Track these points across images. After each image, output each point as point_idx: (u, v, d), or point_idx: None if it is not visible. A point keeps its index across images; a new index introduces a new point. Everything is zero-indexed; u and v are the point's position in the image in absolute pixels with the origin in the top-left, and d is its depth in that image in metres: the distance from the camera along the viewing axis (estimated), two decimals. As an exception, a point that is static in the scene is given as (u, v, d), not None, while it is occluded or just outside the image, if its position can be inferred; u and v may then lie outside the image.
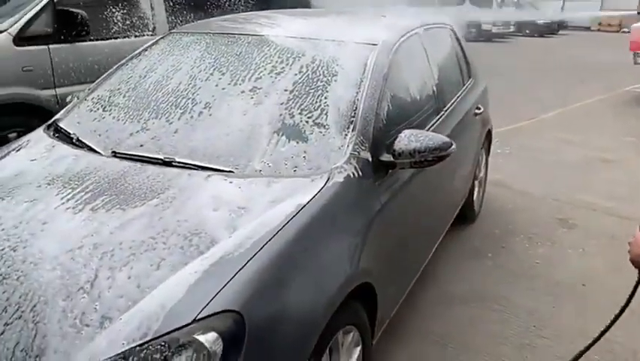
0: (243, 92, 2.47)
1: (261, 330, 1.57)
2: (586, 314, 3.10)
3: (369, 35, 2.76)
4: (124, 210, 1.88)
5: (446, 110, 3.21)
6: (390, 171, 2.36)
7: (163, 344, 1.45)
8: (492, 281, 3.43)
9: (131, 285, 1.58)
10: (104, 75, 2.92)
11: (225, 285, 1.58)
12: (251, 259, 1.66)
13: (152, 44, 3.04)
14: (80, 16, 4.69)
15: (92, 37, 4.76)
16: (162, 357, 1.44)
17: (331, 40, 2.71)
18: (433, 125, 2.94)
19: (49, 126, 2.65)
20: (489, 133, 4.28)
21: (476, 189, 4.21)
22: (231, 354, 1.50)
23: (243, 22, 3.11)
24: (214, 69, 2.64)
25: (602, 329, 2.11)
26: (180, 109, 2.46)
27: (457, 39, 3.96)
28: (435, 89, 3.15)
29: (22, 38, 4.55)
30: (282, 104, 2.36)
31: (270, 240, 1.73)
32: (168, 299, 1.53)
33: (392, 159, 2.30)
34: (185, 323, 1.48)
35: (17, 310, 1.53)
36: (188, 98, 2.50)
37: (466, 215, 4.13)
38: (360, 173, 2.17)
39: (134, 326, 1.47)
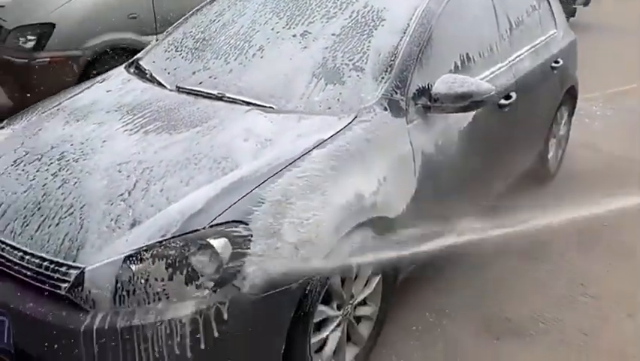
0: (294, 35, 2.63)
1: (266, 241, 1.77)
2: (637, 282, 2.99)
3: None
4: (170, 134, 2.15)
5: (511, 61, 3.14)
6: (428, 114, 2.42)
7: (179, 243, 1.70)
8: (551, 239, 3.36)
9: (161, 197, 1.84)
10: (181, 19, 3.20)
11: (239, 200, 1.80)
12: (264, 181, 1.87)
13: (227, -9, 3.25)
14: (180, -33, 5.03)
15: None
16: (178, 254, 1.69)
17: (385, -14, 2.76)
18: (490, 74, 2.91)
19: (130, 64, 2.99)
20: (572, 90, 4.08)
21: (553, 148, 4.08)
22: (238, 258, 1.72)
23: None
24: (273, 14, 2.81)
25: None
26: (237, 51, 2.67)
27: (541, -12, 3.78)
28: (499, 38, 3.09)
29: (129, -13, 5.01)
30: (326, 48, 2.50)
31: (285, 167, 1.92)
32: (188, 209, 1.78)
33: (428, 102, 2.37)
34: (199, 228, 1.72)
35: (70, 208, 1.85)
36: (246, 41, 2.71)
37: (540, 173, 4.02)
38: (390, 114, 2.26)
39: (156, 228, 1.74)
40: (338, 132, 2.11)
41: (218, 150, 2.03)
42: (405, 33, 2.48)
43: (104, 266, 1.69)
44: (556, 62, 3.69)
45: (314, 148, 2.02)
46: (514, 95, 3.05)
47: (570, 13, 11.64)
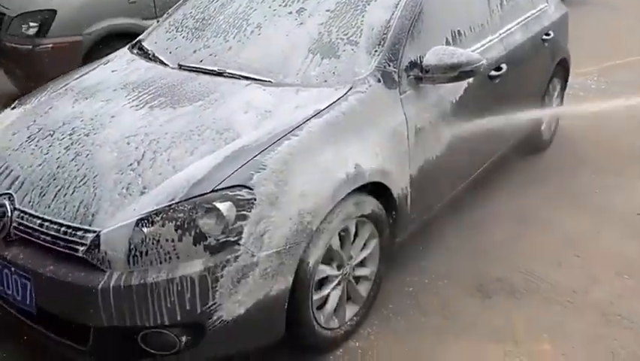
0: (290, 12, 2.73)
1: (268, 204, 1.90)
2: (628, 241, 3.11)
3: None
4: (174, 108, 2.27)
5: (501, 34, 3.24)
6: (420, 85, 2.53)
7: (186, 206, 1.83)
8: (544, 205, 3.49)
9: (168, 166, 1.97)
10: (181, 1, 3.29)
11: (241, 167, 1.93)
12: (265, 149, 1.99)
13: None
14: (177, -49, 5.10)
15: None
16: (186, 217, 1.82)
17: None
18: (481, 46, 3.02)
19: (133, 45, 3.09)
20: (563, 62, 4.17)
21: (546, 119, 4.18)
22: (242, 219, 1.85)
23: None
24: (270, -8, 2.91)
25: None
26: (236, 29, 2.77)
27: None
28: (490, 11, 3.19)
29: (128, -27, 5.08)
30: (321, 24, 2.60)
31: (284, 136, 2.05)
32: (193, 176, 1.91)
33: (420, 74, 2.48)
34: (204, 192, 1.85)
35: (84, 178, 1.98)
36: (244, 20, 2.81)
37: (534, 144, 4.13)
38: (384, 85, 2.38)
39: (165, 194, 1.87)
40: (334, 102, 2.22)
41: (220, 122, 2.15)
42: (396, 7, 2.58)
43: (118, 229, 1.82)
44: (547, 34, 3.78)
45: (312, 118, 2.14)
46: (504, 66, 3.16)
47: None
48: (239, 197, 1.87)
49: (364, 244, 2.39)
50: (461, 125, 2.89)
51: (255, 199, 1.88)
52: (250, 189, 1.89)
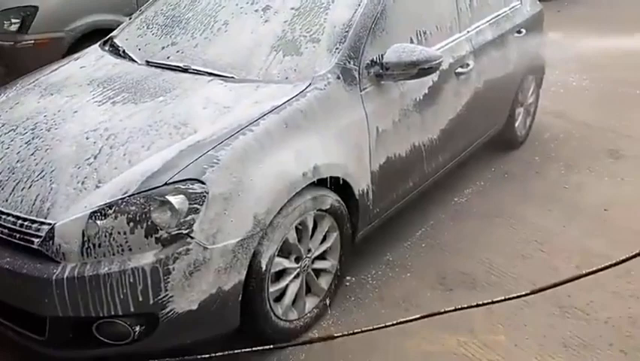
0: (256, 10, 2.78)
1: (221, 198, 1.95)
2: (593, 236, 3.17)
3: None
4: (136, 104, 2.31)
5: (469, 32, 3.29)
6: (382, 82, 2.58)
7: (139, 199, 1.88)
8: (512, 201, 3.55)
9: (124, 160, 2.02)
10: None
11: (194, 161, 1.97)
12: (219, 143, 2.03)
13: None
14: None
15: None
16: (138, 210, 1.87)
17: (345, -38, 2.90)
18: (447, 44, 3.06)
19: (105, 42, 3.13)
20: (538, 59, 4.21)
21: (520, 116, 4.23)
22: (194, 212, 1.90)
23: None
24: (239, -11, 2.95)
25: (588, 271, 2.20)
26: (203, 26, 2.82)
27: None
28: (458, 10, 3.23)
29: (110, -31, 5.12)
30: (285, 21, 2.65)
31: (239, 131, 2.09)
32: (147, 170, 1.95)
33: (380, 70, 2.52)
34: (157, 186, 1.90)
35: (42, 171, 2.02)
36: (212, 17, 2.85)
37: (507, 140, 4.19)
38: (343, 81, 2.42)
39: (118, 187, 1.92)
40: (292, 98, 2.27)
41: (179, 117, 2.19)
42: (359, 6, 2.62)
43: (72, 222, 1.87)
44: (519, 32, 3.83)
45: (268, 113, 2.19)
46: (471, 63, 3.21)
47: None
48: (191, 190, 1.91)
49: (324, 238, 2.44)
50: (427, 122, 2.95)
51: (208, 193, 1.93)
52: (203, 183, 1.93)
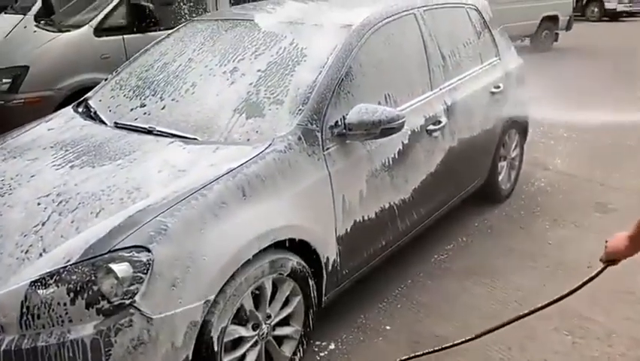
0: (224, 72, 2.80)
1: (167, 266, 1.90)
2: (574, 296, 3.05)
3: (350, 17, 2.94)
4: (93, 167, 2.30)
5: (442, 89, 3.29)
6: (347, 142, 2.56)
7: (80, 268, 1.83)
8: (494, 258, 3.47)
9: (71, 227, 1.98)
10: (130, 59, 3.38)
11: (141, 227, 1.93)
12: (168, 209, 2.00)
13: (173, 32, 3.45)
14: (148, 9, 5.29)
15: (160, 28, 5.33)
16: (80, 279, 1.82)
17: (313, 25, 2.95)
18: (417, 102, 3.06)
19: (79, 103, 3.16)
20: (520, 112, 4.21)
21: (503, 170, 4.19)
22: (138, 281, 1.84)
23: (253, 9, 3.42)
24: (209, 52, 3.00)
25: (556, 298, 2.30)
26: (172, 88, 2.85)
27: (482, 18, 3.96)
28: (430, 67, 3.25)
29: (100, 30, 5.25)
30: (250, 83, 2.67)
31: (190, 195, 2.06)
32: (92, 237, 1.91)
33: (343, 130, 2.51)
34: (100, 254, 1.85)
35: (-13, 239, 1.99)
36: (181, 79, 2.89)
37: (491, 194, 4.14)
38: (305, 142, 2.40)
39: (61, 256, 1.87)
40: (249, 160, 2.24)
41: (133, 182, 2.17)
42: (323, 68, 2.63)
43: (10, 293, 1.82)
44: (497, 87, 3.84)
45: (223, 176, 2.16)
46: (443, 120, 3.20)
47: (554, 39, 11.90)
48: (135, 258, 1.87)
49: (286, 302, 2.37)
50: (398, 182, 2.91)
51: (153, 260, 1.88)
52: (148, 250, 1.89)
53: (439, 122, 3.17)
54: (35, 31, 5.76)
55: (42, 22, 6.08)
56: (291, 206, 2.30)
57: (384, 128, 2.49)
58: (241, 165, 2.22)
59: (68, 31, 5.33)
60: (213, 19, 3.41)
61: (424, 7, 3.37)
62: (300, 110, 2.48)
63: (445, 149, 3.26)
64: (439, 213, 3.42)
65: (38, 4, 6.70)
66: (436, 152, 3.19)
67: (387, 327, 2.83)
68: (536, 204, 4.25)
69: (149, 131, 2.58)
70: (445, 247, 3.61)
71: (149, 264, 1.87)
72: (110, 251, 1.87)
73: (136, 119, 2.72)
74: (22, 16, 7.09)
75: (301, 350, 2.47)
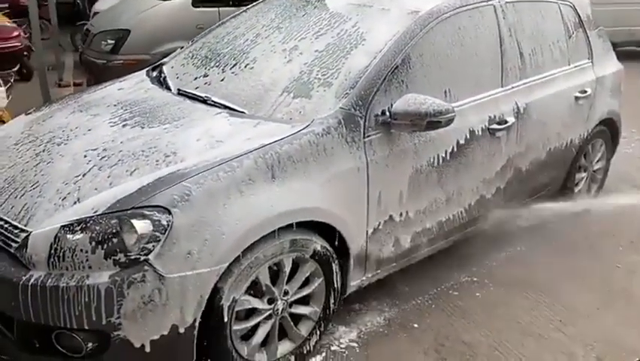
0: (284, 50, 2.83)
1: (185, 229, 1.97)
2: (629, 327, 2.82)
3: (421, 4, 2.84)
4: (142, 127, 2.43)
5: (514, 87, 3.11)
6: (392, 131, 2.51)
7: (105, 219, 1.96)
8: (550, 274, 3.25)
9: (106, 182, 2.12)
10: (206, 30, 3.51)
11: (166, 189, 2.02)
12: (194, 175, 2.07)
13: (252, 6, 3.52)
14: (244, -16, 5.42)
15: (255, 1, 5.44)
16: (102, 230, 1.95)
17: (381, 8, 2.89)
18: (482, 98, 2.92)
19: (154, 68, 3.33)
20: (609, 122, 3.89)
21: (582, 182, 3.91)
22: (156, 239, 1.94)
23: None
24: (276, 29, 3.04)
25: None
26: (235, 61, 2.92)
27: (577, 16, 3.67)
28: (504, 63, 3.08)
29: (198, 1, 5.48)
30: (305, 63, 2.67)
31: (219, 164, 2.12)
32: (121, 193, 2.03)
33: (388, 119, 2.46)
34: (124, 209, 1.97)
35: (36, 183, 2.18)
36: (244, 53, 2.95)
37: (564, 207, 3.87)
38: (345, 127, 2.38)
39: (90, 206, 2.01)
40: (283, 139, 2.26)
41: (172, 146, 2.27)
42: (378, 53, 2.57)
43: (43, 233, 1.98)
44: (583, 91, 3.56)
45: (254, 150, 2.19)
46: (510, 121, 3.03)
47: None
48: (156, 218, 1.96)
49: (306, 282, 2.39)
50: (448, 180, 2.80)
51: (172, 223, 1.96)
52: (169, 212, 1.97)
53: (505, 122, 3.00)
54: (142, -2, 6.15)
55: (151, -11, 6.47)
56: (321, 189, 2.30)
57: (431, 121, 2.41)
58: (274, 141, 2.25)
59: (170, -1, 5.63)
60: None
61: (507, -1, 3.19)
62: (346, 94, 2.46)
63: (509, 152, 3.09)
64: (493, 219, 3.25)
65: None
66: (497, 155, 3.03)
67: (415, 325, 2.76)
68: (615, 223, 3.91)
69: (204, 101, 2.67)
70: (500, 253, 3.43)
71: (168, 225, 1.96)
72: (133, 208, 1.98)
73: (197, 87, 2.83)
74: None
75: (318, 332, 2.48)
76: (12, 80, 4.58)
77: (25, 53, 6.49)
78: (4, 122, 3.53)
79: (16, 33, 6.22)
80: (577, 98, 3.53)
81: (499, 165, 3.07)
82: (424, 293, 3.01)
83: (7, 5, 8.06)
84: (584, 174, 3.92)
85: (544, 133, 3.31)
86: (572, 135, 3.58)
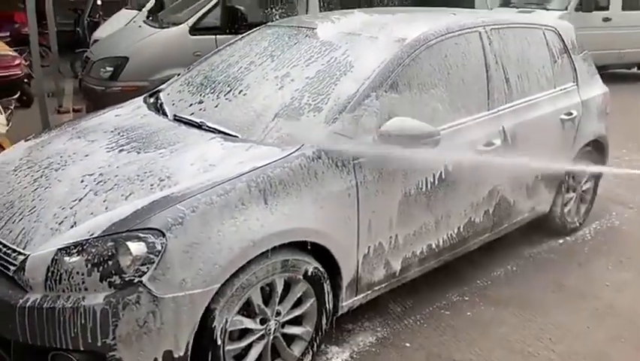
0: (276, 77, 2.93)
1: (179, 251, 2.04)
2: (618, 343, 2.86)
3: (407, 32, 2.95)
4: (138, 153, 2.50)
5: (500, 110, 3.20)
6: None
7: (100, 242, 2.02)
8: (541, 292, 3.30)
9: (102, 206, 2.19)
10: (201, 59, 3.61)
11: (160, 212, 2.09)
12: (188, 198, 2.14)
13: (246, 35, 3.64)
14: (241, 12, 5.59)
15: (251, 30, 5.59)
16: (98, 252, 2.01)
17: (369, 37, 3.00)
18: (467, 121, 3.01)
19: (151, 94, 3.42)
20: (596, 143, 3.98)
21: (571, 202, 3.98)
22: (150, 261, 2.00)
23: (321, 18, 3.54)
24: (269, 57, 3.14)
25: None
26: (228, 87, 3.01)
27: (561, 41, 3.78)
28: (489, 87, 3.18)
29: (195, 29, 5.62)
30: (296, 90, 2.76)
31: (211, 187, 2.19)
32: (116, 217, 2.10)
33: (376, 141, 2.54)
34: (120, 231, 2.03)
35: (33, 208, 2.25)
36: (238, 80, 3.05)
37: (554, 226, 3.94)
38: (334, 150, 2.46)
39: (86, 230, 2.07)
40: (274, 161, 2.34)
41: (167, 170, 2.34)
42: (366, 80, 2.66)
43: (41, 257, 2.05)
44: (569, 113, 3.66)
45: (245, 173, 2.27)
46: (497, 143, 3.11)
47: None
48: (150, 240, 2.02)
49: (298, 303, 2.44)
50: (437, 202, 2.86)
51: (166, 245, 2.03)
52: (163, 234, 2.04)
53: (492, 144, 3.09)
54: (140, 26, 6.30)
55: (150, 18, 6.63)
56: (312, 211, 2.36)
57: (416, 143, 2.49)
58: (266, 164, 2.32)
59: (168, 27, 5.77)
60: (283, 25, 3.56)
61: (492, 25, 3.30)
62: (335, 118, 2.54)
63: (496, 174, 3.16)
64: (483, 240, 3.32)
65: (151, 3, 7.31)
66: (484, 177, 3.10)
67: (407, 344, 2.80)
68: (604, 243, 3.98)
69: (199, 126, 2.75)
70: (491, 273, 3.49)
71: (162, 247, 2.02)
72: (128, 230, 2.04)
73: (192, 113, 2.91)
74: (138, 11, 7.76)
75: (311, 352, 2.53)
76: (12, 107, 4.67)
77: (25, 81, 6.62)
78: (3, 149, 3.60)
79: (17, 62, 6.35)
80: (562, 120, 3.62)
81: (487, 187, 3.14)
82: (415, 313, 3.05)
83: (8, 34, 8.22)
84: (572, 195, 3.99)
85: (530, 155, 3.39)
86: (559, 156, 3.66)
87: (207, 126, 2.72)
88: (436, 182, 2.82)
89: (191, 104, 3.03)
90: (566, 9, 9.07)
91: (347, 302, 2.64)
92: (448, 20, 3.19)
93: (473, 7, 6.67)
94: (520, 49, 3.46)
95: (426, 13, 3.77)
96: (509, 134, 3.20)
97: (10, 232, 2.19)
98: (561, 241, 3.96)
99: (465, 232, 3.11)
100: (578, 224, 4.10)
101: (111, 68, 5.55)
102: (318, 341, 2.55)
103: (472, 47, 3.17)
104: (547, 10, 9.16)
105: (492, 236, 3.38)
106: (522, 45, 3.48)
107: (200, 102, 3.01)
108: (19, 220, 2.21)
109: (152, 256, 2.01)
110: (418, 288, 3.13)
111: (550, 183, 3.67)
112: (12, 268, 2.09)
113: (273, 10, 5.84)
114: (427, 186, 2.79)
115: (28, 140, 2.97)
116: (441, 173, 2.83)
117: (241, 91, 2.95)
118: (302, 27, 3.34)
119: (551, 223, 3.91)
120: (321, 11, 5.99)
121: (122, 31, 6.62)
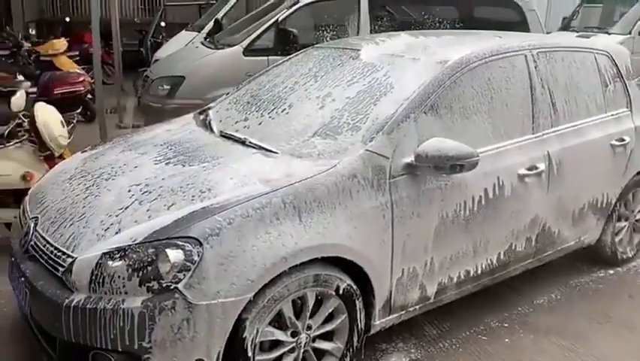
0: (318, 97, 3.01)
1: (214, 260, 2.12)
2: None
3: (450, 54, 2.97)
4: (184, 165, 2.62)
5: (545, 134, 3.16)
6: (418, 173, 2.60)
7: (141, 248, 2.13)
8: (585, 323, 3.20)
9: (145, 215, 2.30)
10: (250, 78, 3.74)
11: (199, 222, 2.18)
12: (226, 210, 2.22)
13: (293, 56, 3.75)
14: (293, 35, 5.74)
15: (302, 51, 5.74)
16: (138, 258, 2.12)
17: (411, 58, 3.04)
18: (509, 145, 2.98)
19: (202, 111, 3.57)
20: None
21: (623, 232, 3.84)
22: (187, 269, 2.09)
23: (366, 40, 3.61)
24: (312, 77, 3.23)
25: None
26: (272, 106, 3.12)
27: (614, 66, 3.70)
28: (534, 110, 3.14)
29: (249, 50, 5.81)
30: (336, 109, 2.83)
31: (249, 200, 2.26)
32: (157, 225, 2.21)
33: (413, 161, 2.56)
34: (159, 239, 2.14)
35: (83, 215, 2.39)
36: (282, 99, 3.15)
37: (602, 256, 3.81)
38: (370, 168, 2.50)
39: (129, 236, 2.19)
40: (309, 178, 2.40)
41: (208, 183, 2.44)
42: (405, 101, 2.70)
43: (87, 259, 2.17)
44: (621, 140, 3.55)
45: (280, 188, 2.34)
46: (541, 167, 3.06)
47: None
48: (188, 248, 2.12)
49: (330, 318, 2.47)
50: (474, 227, 2.84)
51: (203, 254, 2.11)
52: (201, 243, 2.13)
53: (536, 168, 3.04)
54: (197, 47, 6.56)
55: (207, 39, 6.90)
56: (345, 227, 2.40)
57: (454, 165, 2.50)
58: (301, 180, 2.38)
59: (223, 48, 5.99)
60: (329, 47, 3.65)
61: (539, 48, 3.27)
62: (372, 137, 2.58)
63: (540, 200, 3.11)
64: (525, 266, 3.25)
65: (210, 25, 7.61)
66: (527, 202, 3.05)
67: (433, 363, 2.78)
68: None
69: (242, 142, 2.85)
70: (533, 300, 3.41)
71: (198, 256, 2.11)
72: (168, 238, 2.14)
73: (237, 130, 3.02)
74: (197, 33, 8.08)
75: (342, 367, 2.55)
76: (75, 121, 4.94)
77: (89, 97, 7.00)
78: (64, 159, 3.82)
79: (81, 78, 6.72)
80: (613, 146, 3.52)
81: (530, 212, 3.09)
82: (452, 336, 3.02)
83: (77, 53, 8.72)
84: (625, 223, 3.85)
85: (578, 180, 3.31)
86: (610, 183, 3.55)
87: (250, 142, 2.82)
88: (476, 205, 2.80)
89: (237, 121, 3.14)
90: (630, 33, 8.82)
91: (380, 321, 2.64)
92: (493, 43, 3.20)
93: (528, 31, 6.57)
94: (568, 73, 3.40)
95: (471, 36, 3.78)
96: (554, 158, 3.15)
97: (62, 235, 2.34)
98: (612, 271, 3.82)
99: (505, 257, 3.07)
100: (631, 255, 3.94)
101: (168, 86, 5.80)
102: (348, 357, 2.56)
103: (517, 70, 3.14)
104: (609, 34, 8.94)
105: (534, 263, 3.31)
106: (571, 69, 3.42)
107: (246, 119, 3.12)
108: (70, 225, 2.36)
109: (188, 263, 2.10)
110: (455, 311, 3.09)
111: (599, 210, 3.56)
112: (61, 269, 2.23)
113: (325, 33, 5.96)
114: (466, 209, 2.78)
115: (84, 151, 3.16)
116: (480, 197, 2.81)
117: (284, 109, 3.05)
118: (347, 48, 3.41)
119: (601, 253, 3.79)
120: (371, 33, 6.06)
121: (180, 52, 6.90)
